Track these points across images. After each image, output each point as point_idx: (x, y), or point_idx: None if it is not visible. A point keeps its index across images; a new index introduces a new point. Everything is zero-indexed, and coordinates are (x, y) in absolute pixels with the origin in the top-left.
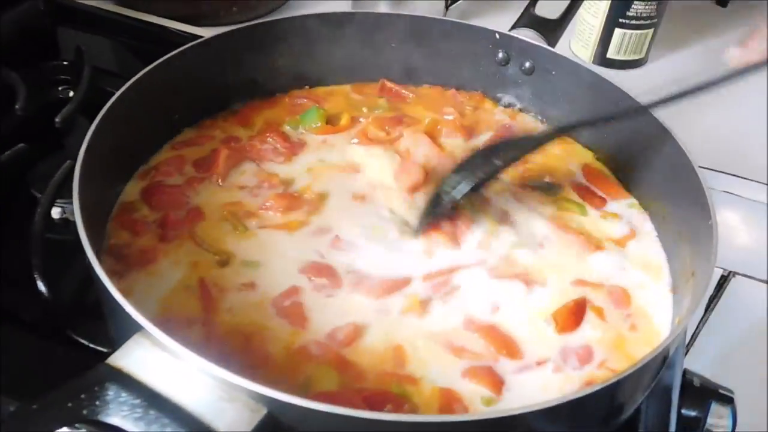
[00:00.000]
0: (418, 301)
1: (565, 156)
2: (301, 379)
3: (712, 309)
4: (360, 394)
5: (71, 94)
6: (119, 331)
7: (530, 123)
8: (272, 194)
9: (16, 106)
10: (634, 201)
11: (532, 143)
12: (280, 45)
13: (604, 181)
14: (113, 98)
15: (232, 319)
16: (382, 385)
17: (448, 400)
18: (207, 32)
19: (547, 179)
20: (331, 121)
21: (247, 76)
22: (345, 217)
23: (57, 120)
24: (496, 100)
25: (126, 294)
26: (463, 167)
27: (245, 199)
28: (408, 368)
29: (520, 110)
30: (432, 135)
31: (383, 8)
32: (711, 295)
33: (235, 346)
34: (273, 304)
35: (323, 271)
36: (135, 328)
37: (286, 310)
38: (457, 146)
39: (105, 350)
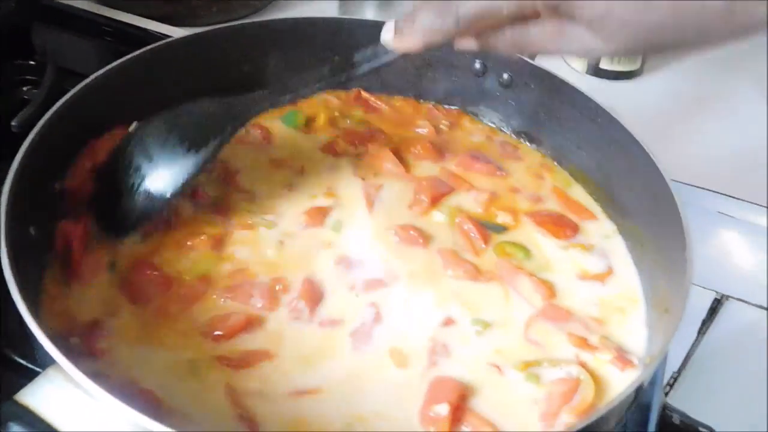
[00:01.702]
0: None
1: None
2: None
3: (704, 332)
4: None
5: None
6: (41, 360)
7: (510, 143)
8: None
9: None
10: (612, 227)
11: None
12: (249, 49)
13: (579, 207)
14: (55, 107)
15: None
16: None
17: None
18: (186, 33)
19: (499, 219)
20: (308, 123)
21: (217, 79)
22: None
23: (13, 123)
24: (477, 116)
25: None
26: None
27: None
28: None
29: (500, 129)
30: (399, 152)
31: (370, 11)
32: (703, 319)
33: None
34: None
35: None
36: (48, 360)
37: None
38: (426, 167)
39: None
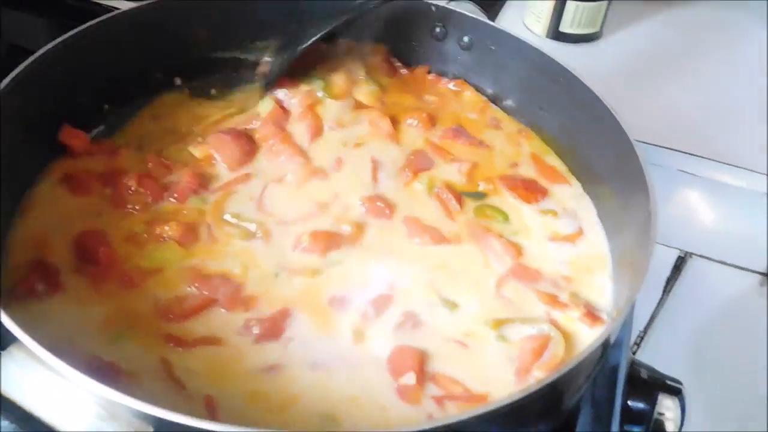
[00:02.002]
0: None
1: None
2: None
3: (669, 290)
4: None
5: None
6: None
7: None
8: None
9: None
10: (581, 190)
11: None
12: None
13: (553, 172)
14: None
15: None
16: None
17: None
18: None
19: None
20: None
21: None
22: None
23: None
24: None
25: None
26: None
27: None
28: None
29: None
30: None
31: None
32: (668, 277)
33: None
34: None
35: None
36: (10, 338)
37: None
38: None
39: None
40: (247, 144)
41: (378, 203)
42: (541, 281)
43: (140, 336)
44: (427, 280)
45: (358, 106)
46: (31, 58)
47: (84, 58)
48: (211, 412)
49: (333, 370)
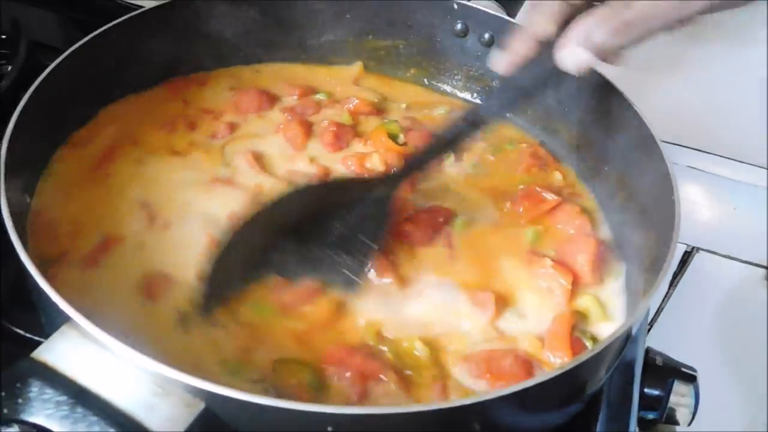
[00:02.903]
0: None
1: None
2: None
3: (676, 285)
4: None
5: (10, 69)
6: (48, 322)
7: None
8: None
9: None
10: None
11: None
12: (225, 17)
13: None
14: (44, 74)
15: None
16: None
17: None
18: (152, 4)
19: None
20: None
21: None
22: None
23: None
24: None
25: None
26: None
27: None
28: None
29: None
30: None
31: None
32: (674, 271)
33: None
34: None
35: None
36: (62, 318)
37: None
38: None
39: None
40: None
41: None
42: None
43: None
44: None
45: None
46: None
47: None
48: None
49: None
